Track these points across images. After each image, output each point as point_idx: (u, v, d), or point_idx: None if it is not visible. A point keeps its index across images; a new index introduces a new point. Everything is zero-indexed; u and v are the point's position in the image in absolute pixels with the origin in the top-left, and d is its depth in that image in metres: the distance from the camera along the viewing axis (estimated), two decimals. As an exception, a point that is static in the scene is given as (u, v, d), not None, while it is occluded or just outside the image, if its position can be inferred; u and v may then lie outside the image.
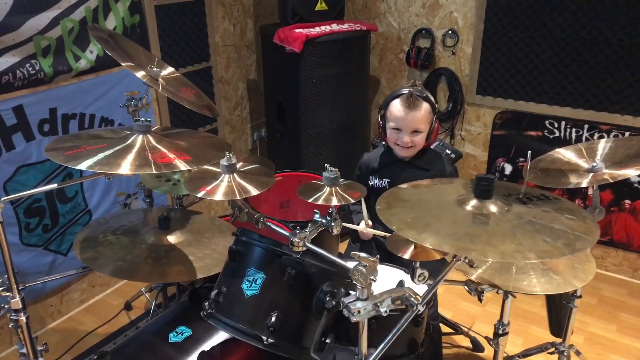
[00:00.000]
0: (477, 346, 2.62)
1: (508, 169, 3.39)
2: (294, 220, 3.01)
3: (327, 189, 1.41)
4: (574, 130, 3.08)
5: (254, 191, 1.46)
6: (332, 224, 1.38)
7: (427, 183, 1.55)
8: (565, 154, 1.89)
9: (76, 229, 2.86)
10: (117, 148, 1.61)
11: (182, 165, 1.54)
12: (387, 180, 2.28)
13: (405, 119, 2.12)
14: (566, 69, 2.99)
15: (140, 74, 1.84)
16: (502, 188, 1.43)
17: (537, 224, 1.22)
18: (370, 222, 2.27)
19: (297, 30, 3.02)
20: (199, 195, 1.40)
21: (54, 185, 2.07)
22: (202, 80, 3.36)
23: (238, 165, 1.75)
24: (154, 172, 1.53)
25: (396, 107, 2.13)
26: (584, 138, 3.07)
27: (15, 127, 2.49)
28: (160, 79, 2.01)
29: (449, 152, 3.24)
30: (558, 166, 1.84)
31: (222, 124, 3.62)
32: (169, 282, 1.96)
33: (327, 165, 1.42)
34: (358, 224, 2.31)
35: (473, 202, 1.28)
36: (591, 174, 1.76)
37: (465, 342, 2.65)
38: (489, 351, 2.57)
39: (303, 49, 2.97)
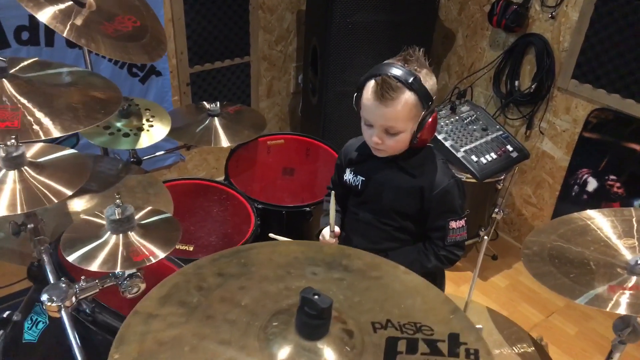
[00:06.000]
0: None
1: (592, 184, 2.54)
2: (299, 195, 2.51)
3: (111, 238, 0.87)
4: (698, 156, 2.14)
5: (52, 198, 0.97)
6: (125, 282, 0.87)
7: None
8: (599, 222, 1.16)
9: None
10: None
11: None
12: (361, 178, 1.67)
13: (374, 113, 1.47)
14: None
15: (45, 13, 1.40)
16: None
17: None
18: (337, 229, 1.71)
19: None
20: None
21: None
22: (234, 4, 2.82)
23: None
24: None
25: (367, 93, 1.48)
26: None
27: (-14, 31, 2.21)
28: (86, 6, 1.55)
29: (511, 148, 2.48)
30: (580, 249, 1.12)
31: (258, 59, 3.10)
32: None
33: (117, 197, 0.88)
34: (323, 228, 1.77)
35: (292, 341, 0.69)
36: (634, 278, 1.04)
37: None
38: None
39: (336, -16, 2.30)
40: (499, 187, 2.54)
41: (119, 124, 1.89)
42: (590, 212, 1.16)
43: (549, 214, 2.77)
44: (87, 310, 0.95)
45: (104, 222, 0.89)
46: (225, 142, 2.14)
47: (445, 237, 1.61)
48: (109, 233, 0.87)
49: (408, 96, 1.43)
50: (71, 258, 0.82)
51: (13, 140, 0.96)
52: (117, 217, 0.85)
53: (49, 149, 1.07)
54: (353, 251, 0.90)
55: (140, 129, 1.90)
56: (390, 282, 0.83)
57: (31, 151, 1.03)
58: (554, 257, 1.10)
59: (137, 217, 0.90)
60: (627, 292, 0.99)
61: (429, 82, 1.48)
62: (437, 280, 1.85)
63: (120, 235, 0.87)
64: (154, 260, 0.85)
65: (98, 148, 1.92)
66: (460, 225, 1.61)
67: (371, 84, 1.47)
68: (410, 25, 2.57)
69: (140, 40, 1.66)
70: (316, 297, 0.65)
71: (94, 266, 0.83)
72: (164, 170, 3.05)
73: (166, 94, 2.83)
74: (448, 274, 2.76)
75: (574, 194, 2.62)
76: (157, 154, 2.17)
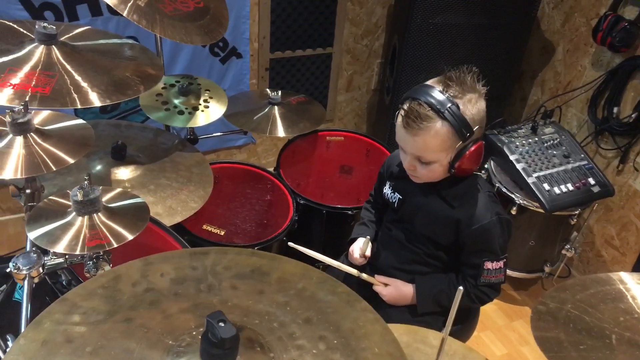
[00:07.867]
0: None
1: (686, 237, 2.20)
2: (355, 195, 2.43)
3: (76, 219, 0.86)
4: None
5: (51, 165, 0.99)
6: (89, 263, 0.87)
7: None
8: (636, 291, 0.97)
9: (138, 118, 2.75)
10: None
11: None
12: (398, 196, 1.57)
13: (403, 140, 1.36)
14: None
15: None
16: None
17: None
18: (368, 253, 1.63)
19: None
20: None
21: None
22: (322, -6, 2.77)
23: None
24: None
25: (399, 117, 1.36)
26: None
27: (82, -3, 2.35)
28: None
29: (593, 182, 2.21)
30: (604, 317, 0.95)
31: (341, 51, 3.04)
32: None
33: (86, 179, 0.86)
34: (354, 240, 1.69)
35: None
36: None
37: None
38: None
39: (419, -18, 2.17)
40: (573, 222, 2.28)
41: (176, 101, 1.93)
42: (628, 276, 0.98)
43: (631, 261, 2.45)
44: (64, 282, 0.97)
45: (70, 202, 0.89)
46: (281, 132, 2.12)
47: (478, 277, 1.47)
48: (74, 214, 0.87)
49: (439, 126, 1.28)
50: (32, 235, 0.83)
51: (21, 107, 1.00)
52: (80, 199, 0.85)
53: (58, 117, 1.10)
54: (318, 275, 0.82)
55: (196, 109, 1.92)
56: (340, 318, 0.74)
57: (39, 118, 1.06)
58: (569, 321, 0.94)
59: (105, 199, 0.89)
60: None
61: (471, 110, 1.31)
62: (472, 313, 1.71)
63: (86, 217, 0.87)
64: (115, 245, 0.84)
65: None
66: (498, 267, 1.46)
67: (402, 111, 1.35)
68: (500, 32, 2.36)
69: (198, 21, 1.67)
70: (221, 324, 0.59)
71: (58, 247, 0.83)
72: (234, 150, 3.11)
73: (244, 76, 2.86)
74: (500, 304, 2.57)
75: (664, 244, 2.29)
76: (214, 134, 2.20)
